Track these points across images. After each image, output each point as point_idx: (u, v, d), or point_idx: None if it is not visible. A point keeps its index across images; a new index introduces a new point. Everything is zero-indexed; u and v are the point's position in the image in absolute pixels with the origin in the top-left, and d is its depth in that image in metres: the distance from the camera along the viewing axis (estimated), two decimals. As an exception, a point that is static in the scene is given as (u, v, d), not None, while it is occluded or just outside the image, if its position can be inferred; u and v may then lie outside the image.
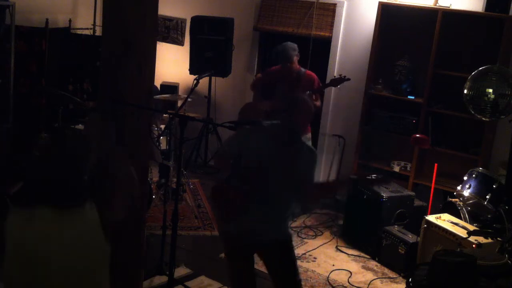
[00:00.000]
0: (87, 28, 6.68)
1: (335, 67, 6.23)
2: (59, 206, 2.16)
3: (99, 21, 6.65)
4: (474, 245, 3.97)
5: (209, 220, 5.45)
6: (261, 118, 5.23)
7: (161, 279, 4.13)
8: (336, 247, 5.08)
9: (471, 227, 4.28)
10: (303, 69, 5.46)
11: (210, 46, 6.56)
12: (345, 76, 5.23)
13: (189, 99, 5.04)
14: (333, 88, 5.55)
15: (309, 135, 5.43)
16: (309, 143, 5.46)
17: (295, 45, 5.42)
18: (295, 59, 5.40)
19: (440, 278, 3.07)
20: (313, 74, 5.44)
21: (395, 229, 4.78)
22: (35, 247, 2.12)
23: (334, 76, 5.33)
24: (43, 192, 2.17)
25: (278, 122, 3.33)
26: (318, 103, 5.41)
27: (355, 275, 4.62)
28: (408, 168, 5.69)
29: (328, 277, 4.52)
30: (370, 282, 4.52)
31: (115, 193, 2.38)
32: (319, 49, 6.21)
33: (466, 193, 4.68)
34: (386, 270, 4.74)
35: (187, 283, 4.15)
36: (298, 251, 4.95)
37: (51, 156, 2.23)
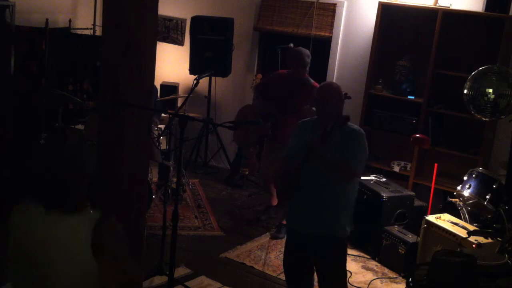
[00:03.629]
0: (87, 28, 6.67)
1: (335, 67, 6.23)
2: (58, 208, 2.17)
3: (99, 21, 6.65)
4: (474, 245, 3.98)
5: (209, 220, 5.45)
6: (259, 118, 5.22)
7: (161, 279, 4.13)
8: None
9: (471, 227, 4.28)
10: (311, 80, 5.15)
11: (210, 46, 6.55)
12: (346, 94, 5.08)
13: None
14: None
15: None
16: None
17: (309, 52, 5.14)
18: (306, 65, 5.11)
19: (440, 278, 3.07)
20: (317, 85, 5.23)
21: (395, 229, 4.78)
22: (36, 249, 2.12)
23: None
24: (42, 193, 2.17)
25: (315, 116, 3.46)
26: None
27: (355, 275, 4.62)
28: (408, 168, 5.69)
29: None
30: (370, 282, 4.52)
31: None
32: (319, 49, 6.21)
33: (466, 193, 4.68)
34: (386, 270, 4.73)
35: (187, 283, 4.15)
36: (298, 251, 4.96)
37: (51, 158, 2.23)
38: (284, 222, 5.31)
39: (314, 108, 4.96)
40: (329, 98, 3.43)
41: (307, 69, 5.11)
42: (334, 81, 6.07)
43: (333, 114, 3.36)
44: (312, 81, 5.15)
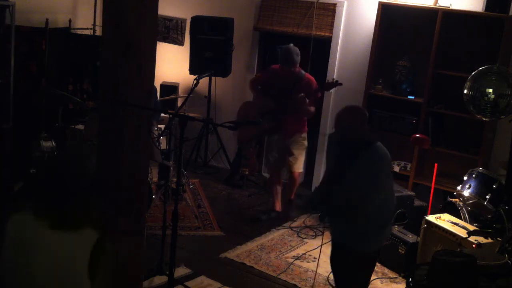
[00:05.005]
0: (87, 28, 6.67)
1: (335, 67, 6.23)
2: (60, 209, 2.16)
3: (99, 21, 6.65)
4: (474, 245, 3.98)
5: (209, 220, 5.45)
6: (259, 117, 5.27)
7: (161, 279, 4.13)
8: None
9: (471, 227, 4.28)
10: (303, 72, 5.38)
11: (210, 46, 6.56)
12: (337, 81, 5.14)
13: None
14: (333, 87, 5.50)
15: (304, 134, 5.49)
16: (305, 142, 5.53)
17: (298, 50, 5.32)
18: (296, 63, 5.30)
19: (440, 278, 3.07)
20: (312, 78, 5.36)
21: (395, 229, 4.78)
22: (35, 251, 2.11)
23: (327, 81, 5.28)
24: (46, 195, 2.17)
25: (346, 131, 3.40)
26: (312, 108, 5.32)
27: (355, 275, 4.62)
28: (408, 168, 5.69)
29: (328, 277, 4.52)
30: (370, 282, 4.51)
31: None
32: (319, 49, 6.21)
33: (466, 193, 4.68)
34: (386, 270, 4.73)
35: (187, 283, 4.15)
36: (298, 251, 4.96)
37: (55, 159, 2.23)
38: (277, 209, 5.61)
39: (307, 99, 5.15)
40: (343, 122, 3.36)
41: (297, 65, 5.28)
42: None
43: (351, 136, 3.34)
44: (304, 72, 5.35)
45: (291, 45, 5.38)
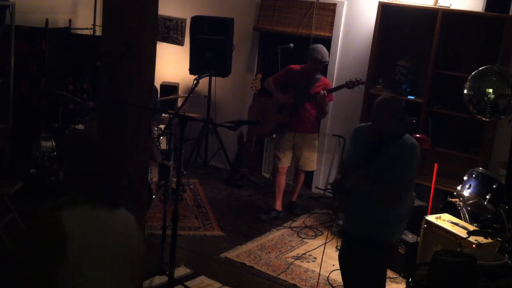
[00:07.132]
0: (87, 28, 6.67)
1: (335, 67, 6.23)
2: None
3: (99, 21, 6.65)
4: (474, 245, 3.97)
5: (209, 220, 5.45)
6: (260, 118, 5.33)
7: (161, 279, 4.14)
8: (336, 247, 5.08)
9: (471, 227, 4.28)
10: (320, 75, 5.56)
11: (210, 46, 6.56)
12: (360, 80, 5.31)
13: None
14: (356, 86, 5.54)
15: (315, 135, 5.73)
16: (316, 142, 5.72)
17: (320, 49, 5.40)
18: (314, 61, 5.42)
19: (440, 278, 3.07)
20: (328, 82, 5.64)
21: (395, 229, 4.78)
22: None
23: (350, 79, 5.34)
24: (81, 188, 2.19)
25: (371, 124, 3.48)
26: (327, 109, 5.62)
27: (355, 275, 4.61)
28: (408, 168, 5.69)
29: (328, 277, 4.52)
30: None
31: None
32: (319, 49, 6.21)
33: (466, 193, 4.67)
34: (386, 270, 4.73)
35: (187, 283, 4.15)
36: (298, 251, 4.96)
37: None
38: (278, 209, 5.65)
39: (326, 93, 5.31)
40: (382, 114, 3.42)
41: (317, 64, 5.39)
42: (334, 81, 6.08)
43: (385, 129, 3.39)
44: (322, 76, 5.59)
45: (316, 44, 5.53)
